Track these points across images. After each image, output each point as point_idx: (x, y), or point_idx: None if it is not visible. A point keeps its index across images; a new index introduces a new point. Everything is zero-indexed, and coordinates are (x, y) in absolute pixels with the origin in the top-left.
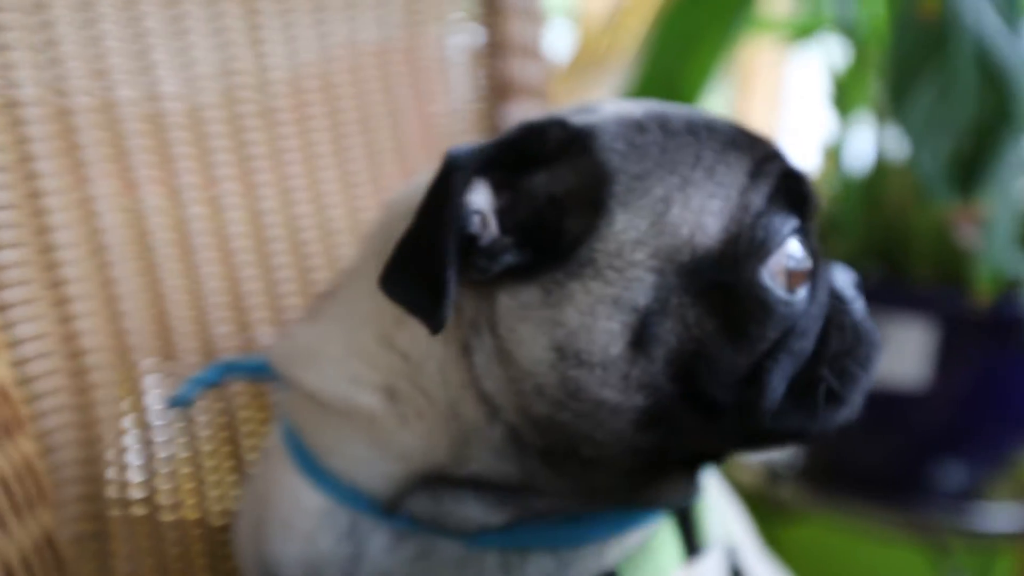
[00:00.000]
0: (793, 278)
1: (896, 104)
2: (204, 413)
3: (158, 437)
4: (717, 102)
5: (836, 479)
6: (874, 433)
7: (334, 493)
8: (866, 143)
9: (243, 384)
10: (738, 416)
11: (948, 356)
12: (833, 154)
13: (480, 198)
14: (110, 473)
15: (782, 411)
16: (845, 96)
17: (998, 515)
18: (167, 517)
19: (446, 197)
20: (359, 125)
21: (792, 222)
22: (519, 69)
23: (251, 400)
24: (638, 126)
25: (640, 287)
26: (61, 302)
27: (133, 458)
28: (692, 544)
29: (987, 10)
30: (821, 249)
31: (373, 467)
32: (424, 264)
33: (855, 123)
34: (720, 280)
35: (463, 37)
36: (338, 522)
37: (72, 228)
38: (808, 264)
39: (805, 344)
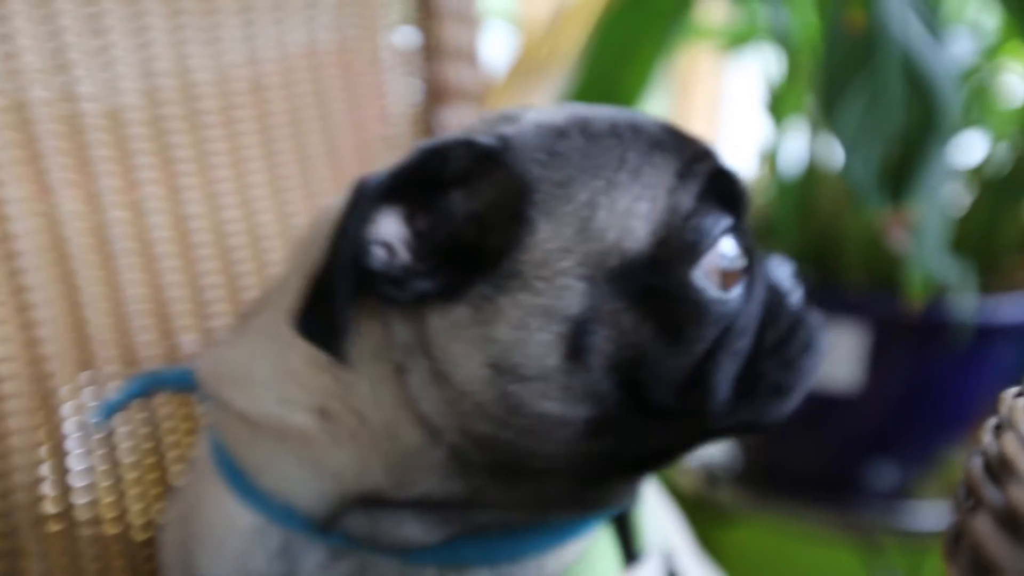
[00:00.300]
0: (727, 277)
1: (827, 112)
2: (126, 423)
3: (75, 449)
4: (657, 108)
5: (773, 481)
6: (809, 435)
7: (266, 511)
8: (799, 150)
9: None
10: (686, 417)
11: (880, 359)
12: (770, 160)
13: (386, 228)
14: (23, 489)
15: (730, 407)
16: (780, 103)
17: (928, 513)
18: (85, 532)
19: (343, 233)
20: (289, 128)
21: (724, 221)
22: (455, 73)
23: (176, 409)
24: (559, 132)
25: (570, 295)
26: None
27: (47, 472)
28: (630, 551)
29: (912, 21)
30: (756, 244)
31: (306, 486)
32: (324, 301)
33: (790, 129)
34: (652, 283)
35: (398, 40)
36: (271, 541)
37: (28, 218)
38: (742, 262)
39: (744, 341)
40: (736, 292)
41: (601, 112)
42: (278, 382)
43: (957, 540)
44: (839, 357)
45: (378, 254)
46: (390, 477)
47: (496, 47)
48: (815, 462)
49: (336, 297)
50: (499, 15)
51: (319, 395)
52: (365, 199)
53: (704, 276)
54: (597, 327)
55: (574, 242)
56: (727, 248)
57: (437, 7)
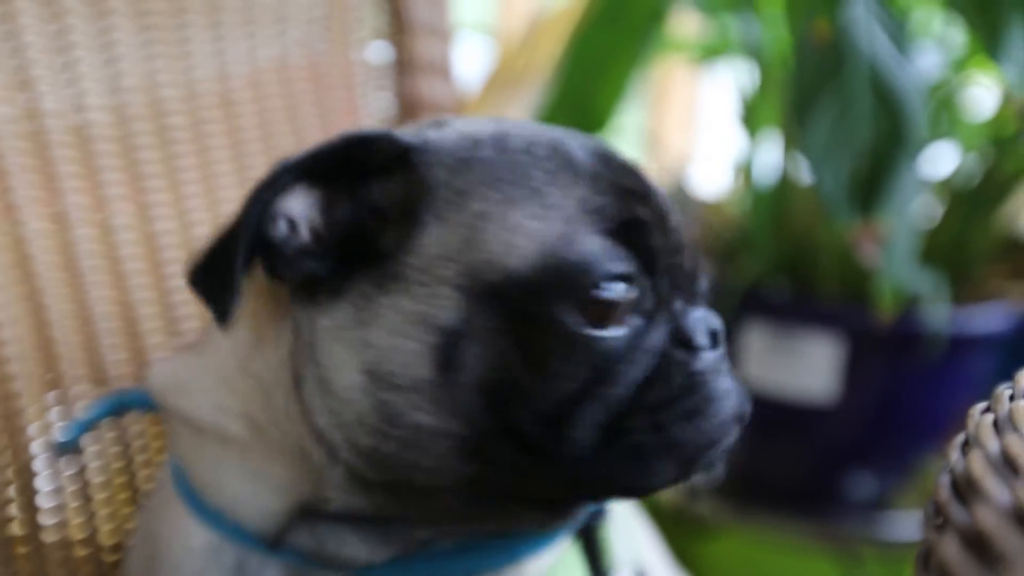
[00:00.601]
0: (607, 317)
1: (798, 126)
2: (95, 442)
3: (43, 470)
4: (632, 121)
5: (752, 493)
6: (787, 446)
7: (219, 529)
8: (773, 163)
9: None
10: (553, 457)
11: (855, 370)
12: (743, 173)
13: (295, 204)
14: None
15: (595, 458)
16: (753, 116)
17: (906, 523)
18: (54, 555)
19: (252, 198)
20: (260, 144)
21: (618, 265)
22: (428, 87)
23: (147, 428)
24: (475, 142)
25: (446, 306)
26: None
27: (14, 493)
28: (598, 568)
29: (879, 34)
30: (674, 294)
31: (252, 501)
32: (220, 258)
33: (764, 142)
34: (528, 308)
35: (370, 55)
36: (224, 560)
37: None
38: (628, 307)
39: (618, 390)
40: (616, 335)
41: (530, 130)
42: (215, 388)
43: (927, 559)
44: (815, 368)
45: (280, 227)
46: (313, 492)
47: (471, 59)
48: (793, 473)
49: (231, 256)
50: (474, 27)
51: (246, 403)
52: (281, 171)
53: (580, 312)
54: (469, 343)
55: (459, 252)
56: (616, 290)
57: (410, 21)
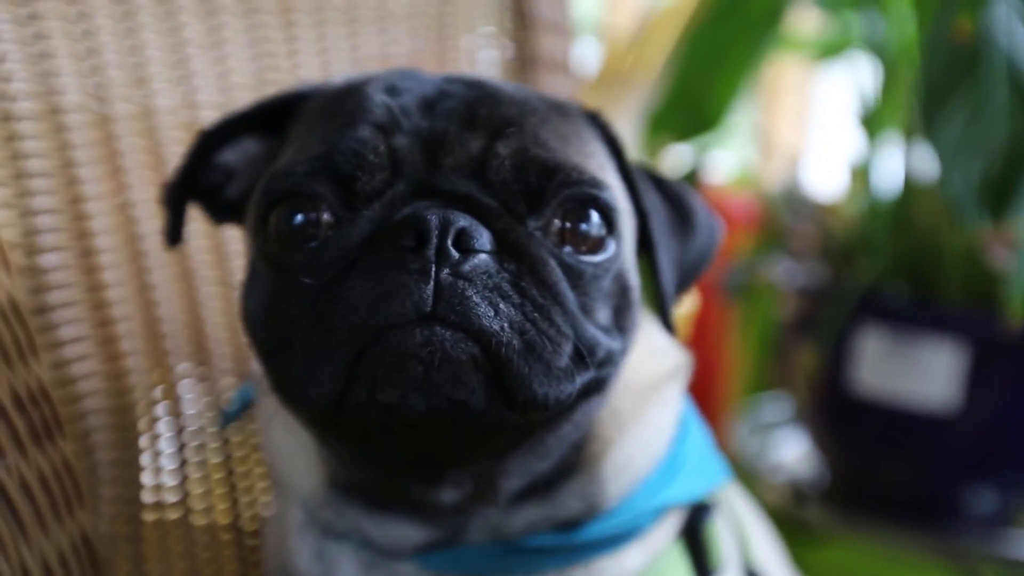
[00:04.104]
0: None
1: (926, 125)
2: (238, 432)
3: (191, 442)
4: (744, 120)
5: (863, 501)
6: (902, 456)
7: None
8: (894, 163)
9: None
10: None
11: (979, 379)
12: (861, 174)
13: (233, 155)
14: (145, 476)
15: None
16: (873, 116)
17: None
18: (199, 521)
19: (191, 147)
20: None
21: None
22: (549, 84)
23: None
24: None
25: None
26: (100, 306)
27: (167, 462)
28: (703, 566)
29: (1020, 31)
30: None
31: (301, 476)
32: (167, 196)
33: (883, 143)
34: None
35: (493, 52)
36: (309, 541)
37: (112, 233)
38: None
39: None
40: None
41: (362, 78)
42: None
43: None
44: (934, 375)
45: (215, 176)
46: (328, 465)
47: (580, 59)
48: (908, 483)
49: (171, 196)
50: (583, 27)
51: None
52: (222, 122)
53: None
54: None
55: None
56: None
57: (533, 18)
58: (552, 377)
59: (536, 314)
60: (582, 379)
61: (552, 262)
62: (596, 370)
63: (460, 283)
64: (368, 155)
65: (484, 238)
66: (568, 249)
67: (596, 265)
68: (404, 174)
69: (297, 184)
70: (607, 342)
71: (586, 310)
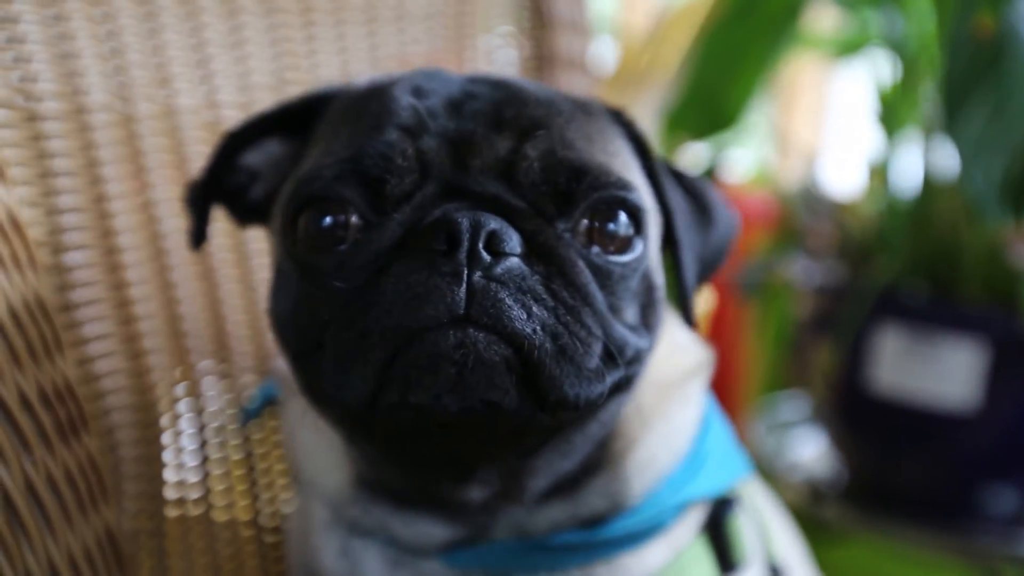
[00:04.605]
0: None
1: (948, 122)
2: (259, 430)
3: (213, 439)
4: (761, 118)
5: (881, 500)
6: (921, 455)
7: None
8: (913, 161)
9: None
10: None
11: (998, 378)
12: (879, 172)
13: (258, 157)
14: (167, 472)
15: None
16: (892, 113)
17: None
18: (220, 517)
19: (216, 149)
20: None
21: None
22: (566, 82)
23: None
24: (348, 91)
25: (278, 248)
26: (124, 303)
27: (189, 458)
28: (727, 561)
29: None
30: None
31: (326, 475)
32: (191, 198)
33: (902, 141)
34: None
35: (510, 51)
36: (333, 538)
37: (135, 232)
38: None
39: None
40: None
41: (388, 79)
42: None
43: None
44: (954, 374)
45: (239, 178)
46: (357, 465)
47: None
48: (927, 482)
49: (195, 199)
50: (598, 25)
51: None
52: (246, 125)
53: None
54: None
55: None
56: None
57: (551, 18)
58: (583, 378)
59: (568, 316)
60: (612, 379)
61: (581, 263)
62: (625, 369)
63: (492, 286)
64: (396, 158)
65: (514, 240)
66: (596, 249)
67: (624, 265)
68: (432, 176)
69: (325, 189)
70: (635, 341)
71: (614, 310)
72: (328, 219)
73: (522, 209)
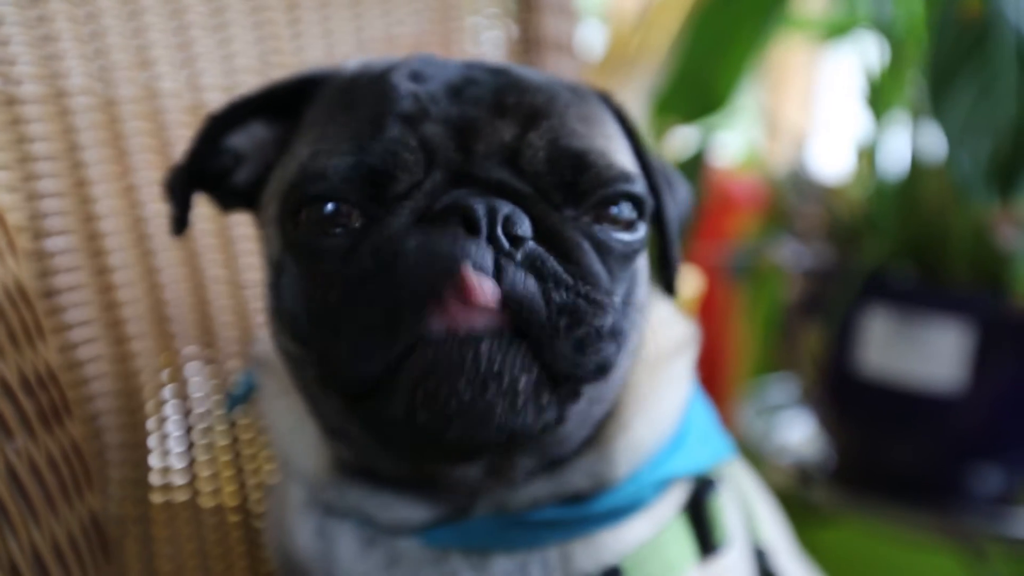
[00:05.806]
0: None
1: (934, 104)
2: (246, 415)
3: (199, 424)
4: (750, 101)
5: (869, 481)
6: (908, 436)
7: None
8: (901, 144)
9: None
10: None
11: (985, 359)
12: (867, 155)
13: (243, 139)
14: (153, 458)
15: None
16: (880, 96)
17: None
18: (207, 503)
19: (199, 132)
20: None
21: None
22: (553, 65)
23: None
24: (341, 76)
25: (271, 239)
26: (107, 289)
27: (175, 444)
28: (707, 542)
29: None
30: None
31: (301, 457)
32: (173, 182)
33: (890, 123)
34: (282, 231)
35: (497, 33)
36: (309, 519)
37: (117, 216)
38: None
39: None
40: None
41: (383, 64)
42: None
43: None
44: (941, 356)
45: (224, 161)
46: (336, 449)
47: (585, 41)
48: (915, 463)
49: (177, 183)
50: (588, 10)
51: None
52: (230, 107)
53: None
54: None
55: (278, 187)
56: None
57: (537, 1)
58: (597, 363)
59: (582, 301)
60: (621, 362)
61: (587, 244)
62: (626, 348)
63: (512, 268)
64: (403, 153)
65: (526, 225)
66: (598, 227)
67: (626, 244)
68: (438, 163)
69: (331, 189)
70: (634, 319)
71: (614, 291)
72: (331, 205)
73: (529, 194)
